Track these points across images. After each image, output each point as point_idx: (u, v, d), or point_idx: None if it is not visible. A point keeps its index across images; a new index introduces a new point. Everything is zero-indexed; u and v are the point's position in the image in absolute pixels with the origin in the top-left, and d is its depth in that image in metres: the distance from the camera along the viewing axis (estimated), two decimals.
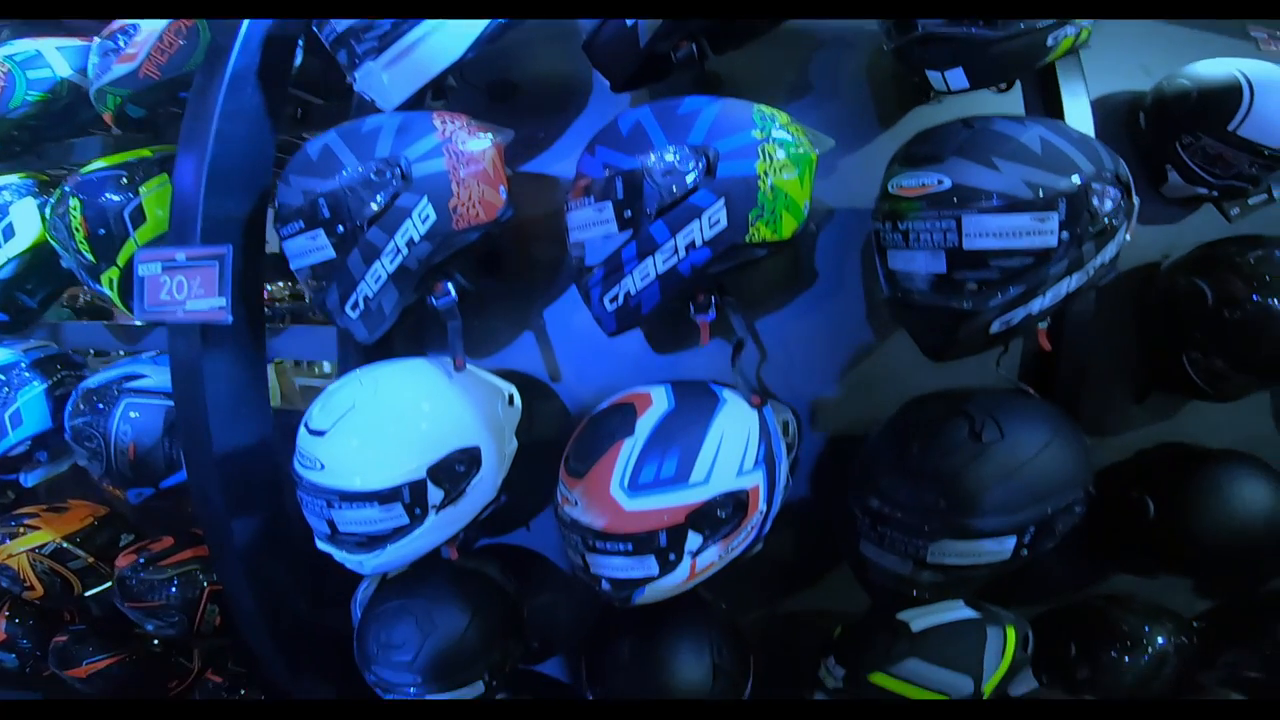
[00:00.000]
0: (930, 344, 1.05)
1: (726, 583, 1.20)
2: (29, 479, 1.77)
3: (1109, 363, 1.26)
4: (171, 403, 1.46)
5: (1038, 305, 0.98)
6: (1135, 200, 0.98)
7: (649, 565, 1.01)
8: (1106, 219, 0.94)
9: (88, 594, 1.85)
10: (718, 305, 1.09)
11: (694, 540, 1.00)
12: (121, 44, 1.56)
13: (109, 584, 1.76)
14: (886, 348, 1.22)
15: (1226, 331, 1.16)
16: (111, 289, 1.56)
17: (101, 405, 1.50)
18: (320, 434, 1.09)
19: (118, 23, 1.60)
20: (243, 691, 1.81)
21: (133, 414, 1.50)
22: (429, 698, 1.27)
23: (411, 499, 1.10)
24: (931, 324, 1.02)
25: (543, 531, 1.44)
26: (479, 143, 1.15)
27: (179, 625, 1.62)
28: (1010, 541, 0.99)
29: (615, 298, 1.05)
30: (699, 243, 0.98)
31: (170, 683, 1.95)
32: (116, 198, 1.51)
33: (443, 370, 1.19)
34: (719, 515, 1.00)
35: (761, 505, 1.04)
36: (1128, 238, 1.00)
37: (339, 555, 1.18)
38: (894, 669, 1.17)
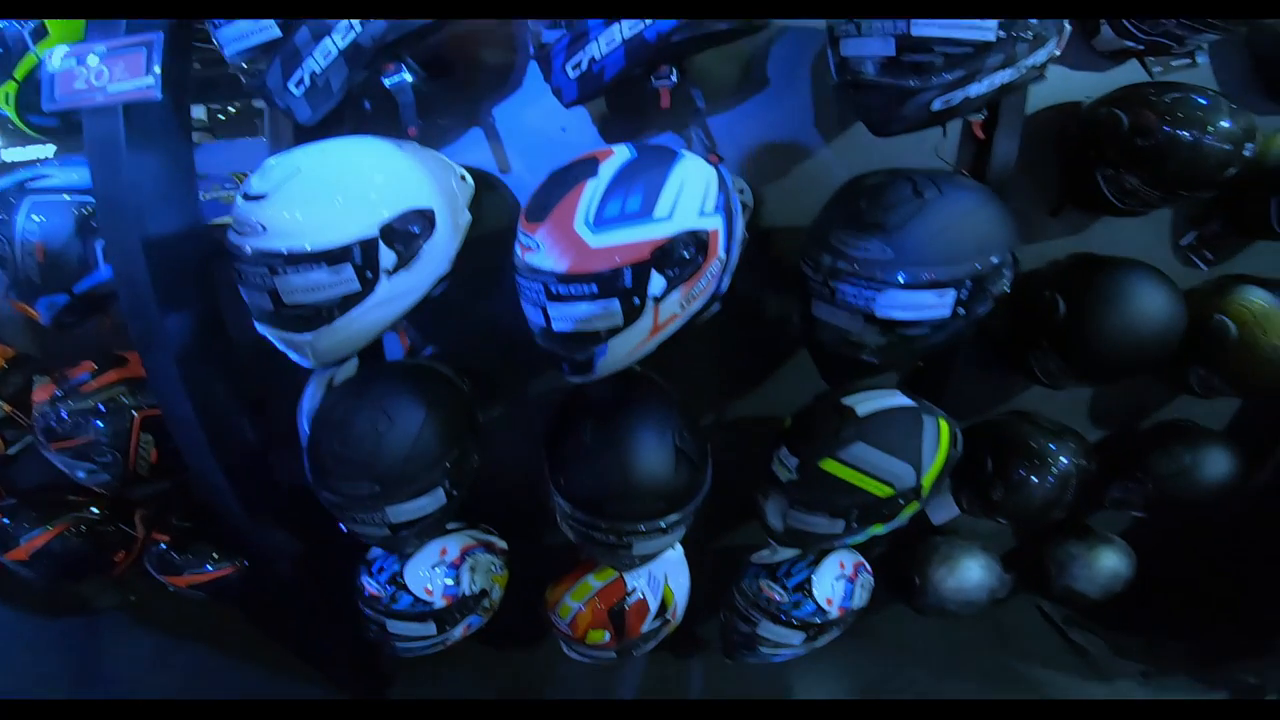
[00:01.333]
0: (877, 119, 1.10)
1: (680, 387, 1.25)
2: None
3: (1030, 181, 1.38)
4: (82, 199, 1.33)
5: (975, 90, 1.05)
6: (1066, 23, 1.08)
7: (613, 310, 1.01)
8: (1038, 27, 1.03)
9: (11, 450, 1.67)
10: (679, 76, 1.10)
11: (657, 282, 1.01)
12: None
13: (33, 436, 1.55)
14: (831, 149, 1.28)
15: (1138, 153, 1.28)
16: (7, 104, 1.41)
17: (4, 209, 1.34)
18: (260, 198, 1.02)
19: None
20: (190, 554, 1.65)
21: (37, 215, 1.34)
22: (389, 511, 1.22)
23: (363, 260, 1.04)
24: (880, 101, 1.08)
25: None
26: None
27: (112, 467, 1.47)
28: (950, 295, 1.06)
29: (578, 64, 1.05)
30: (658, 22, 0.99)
31: (116, 555, 1.76)
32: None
33: (393, 141, 1.14)
34: (682, 254, 1.00)
35: (720, 251, 1.06)
36: (1056, 51, 1.09)
37: (281, 338, 1.10)
38: (842, 454, 1.23)
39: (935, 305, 1.07)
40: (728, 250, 1.08)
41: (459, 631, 1.56)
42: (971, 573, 1.78)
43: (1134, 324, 1.32)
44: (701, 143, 1.15)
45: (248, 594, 1.71)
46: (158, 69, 1.16)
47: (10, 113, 1.42)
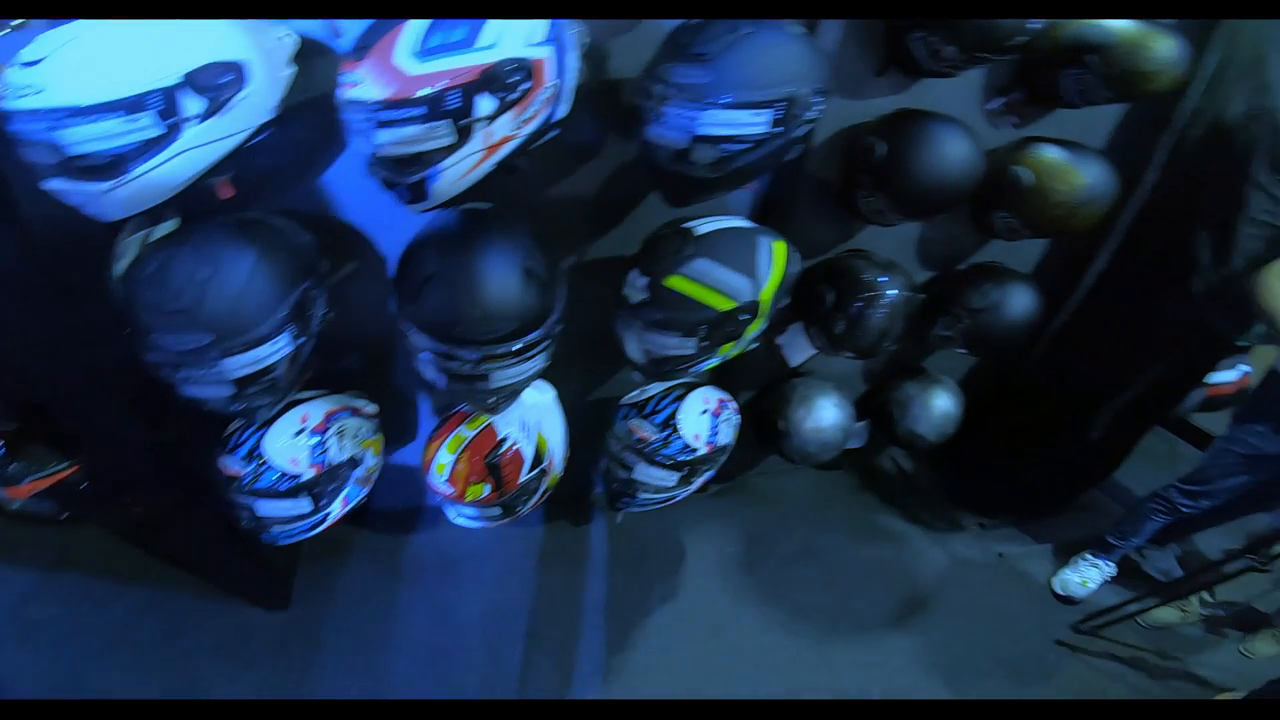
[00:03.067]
0: None
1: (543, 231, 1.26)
2: None
3: (859, 45, 1.46)
4: None
5: None
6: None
7: (442, 131, 1.00)
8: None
9: None
10: None
11: (487, 104, 1.01)
12: None
13: None
14: None
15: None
16: None
17: None
18: (35, 63, 0.91)
19: None
20: (23, 460, 1.51)
21: None
22: (227, 364, 1.15)
23: (165, 106, 0.96)
24: None
25: None
26: None
27: None
28: (765, 114, 1.14)
29: None
30: None
31: None
32: None
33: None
34: (509, 80, 1.01)
35: (551, 78, 1.07)
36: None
37: (74, 190, 0.99)
38: (685, 270, 1.30)
39: (752, 123, 1.14)
40: (559, 76, 1.09)
41: (337, 506, 1.53)
42: (826, 411, 1.96)
43: (940, 163, 1.47)
44: None
45: (102, 501, 1.59)
46: None
47: None
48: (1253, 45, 1.66)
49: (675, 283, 1.30)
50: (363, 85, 0.98)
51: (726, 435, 1.73)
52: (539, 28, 1.05)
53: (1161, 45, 1.48)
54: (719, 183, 1.23)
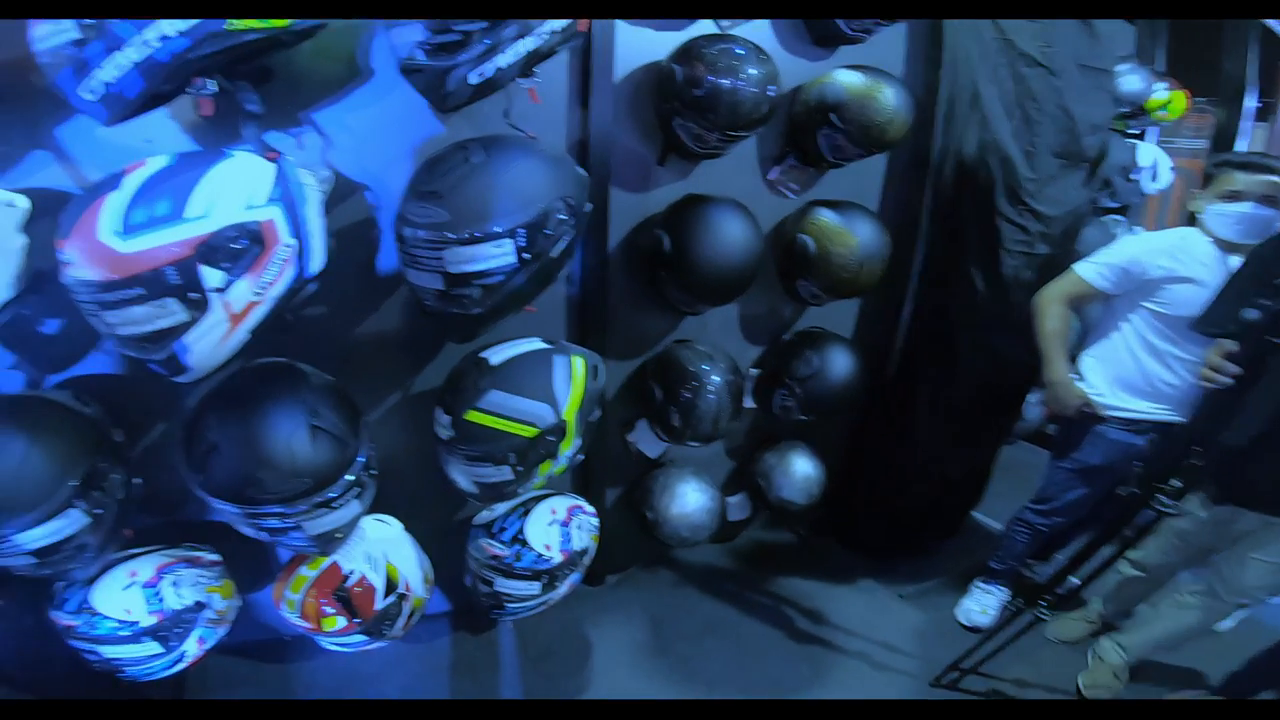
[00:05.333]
0: (433, 99, 1.17)
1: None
2: None
3: (641, 136, 1.51)
4: None
5: (504, 60, 1.16)
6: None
7: (172, 308, 1.02)
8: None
9: None
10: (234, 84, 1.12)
11: (213, 276, 1.03)
12: None
13: None
14: (448, 126, 1.34)
15: (694, 101, 1.44)
16: None
17: None
18: None
19: None
20: None
21: None
22: (16, 539, 1.15)
23: None
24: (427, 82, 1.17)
25: None
26: None
27: None
28: (508, 244, 1.16)
29: (93, 90, 1.03)
30: (171, 34, 1.00)
31: None
32: None
33: None
34: (232, 247, 1.03)
35: (284, 238, 1.09)
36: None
37: None
38: (481, 404, 1.31)
39: (497, 254, 1.17)
40: (297, 233, 1.12)
41: (192, 646, 1.51)
42: (689, 497, 1.94)
43: (718, 248, 1.52)
44: (257, 141, 1.18)
45: None
46: None
47: None
48: (969, 80, 1.73)
49: (475, 416, 1.31)
50: (76, 265, 0.99)
51: (582, 540, 1.71)
52: (261, 189, 1.07)
53: (886, 95, 1.54)
54: (493, 314, 1.24)
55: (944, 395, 2.04)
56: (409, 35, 1.14)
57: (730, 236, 1.49)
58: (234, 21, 1.03)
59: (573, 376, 1.37)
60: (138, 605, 1.41)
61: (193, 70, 1.07)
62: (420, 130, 1.37)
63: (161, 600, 1.44)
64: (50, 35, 1.01)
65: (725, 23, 1.55)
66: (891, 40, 1.68)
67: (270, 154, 1.13)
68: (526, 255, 1.17)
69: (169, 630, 1.46)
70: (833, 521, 2.49)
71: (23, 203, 1.16)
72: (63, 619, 1.39)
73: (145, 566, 1.46)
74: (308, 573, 1.54)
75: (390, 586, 1.60)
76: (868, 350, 1.88)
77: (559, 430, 1.36)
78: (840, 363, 1.82)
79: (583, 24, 1.25)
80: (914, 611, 2.27)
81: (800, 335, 1.93)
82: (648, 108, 1.52)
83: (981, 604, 2.18)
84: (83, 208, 1.00)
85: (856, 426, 2.31)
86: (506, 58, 1.16)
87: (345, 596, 1.54)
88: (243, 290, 1.07)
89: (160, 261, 0.99)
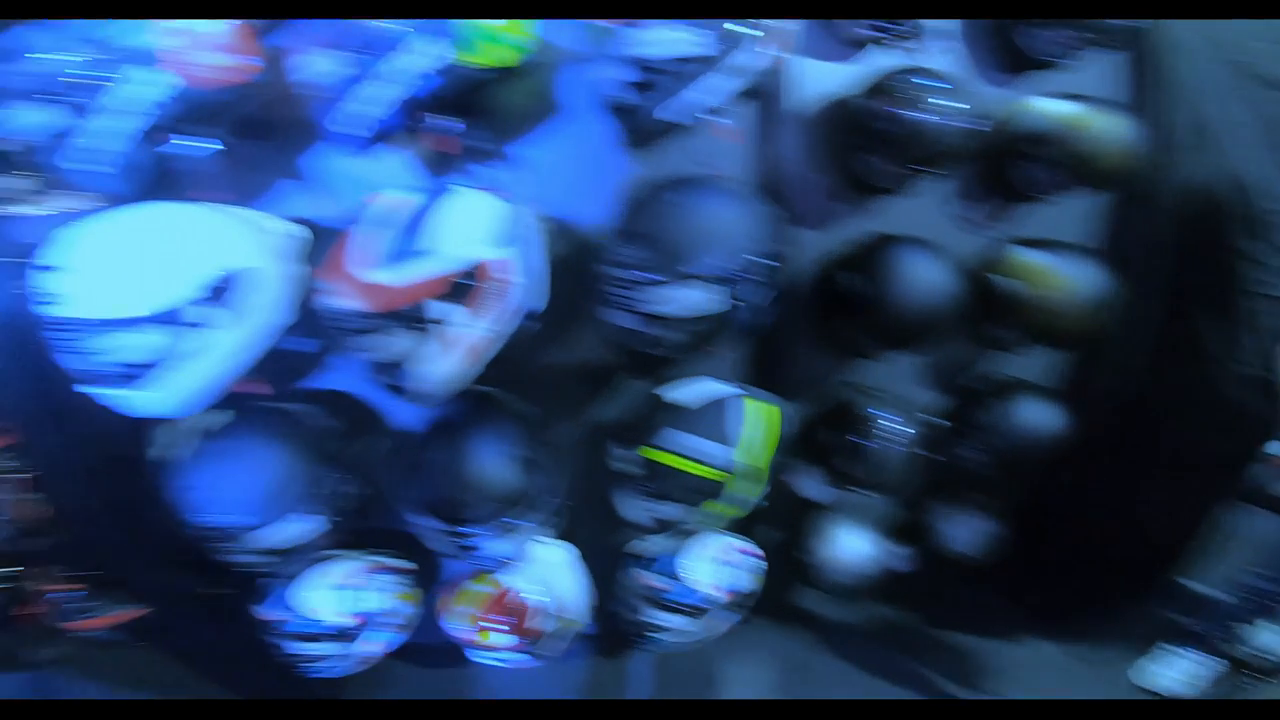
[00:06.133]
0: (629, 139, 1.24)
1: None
2: None
3: (818, 172, 1.48)
4: None
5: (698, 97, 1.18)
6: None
7: (416, 339, 1.10)
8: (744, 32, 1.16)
9: None
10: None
11: (449, 311, 1.10)
12: None
13: None
14: (637, 163, 1.36)
15: (888, 138, 1.38)
16: None
17: None
18: (56, 269, 1.06)
19: None
20: (96, 601, 1.72)
21: None
22: (262, 532, 1.29)
23: (182, 320, 1.08)
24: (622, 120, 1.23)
25: None
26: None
27: (3, 525, 1.52)
28: (715, 288, 1.15)
29: (363, 123, 1.15)
30: (427, 71, 1.11)
31: (22, 608, 1.77)
32: None
33: (194, 207, 1.19)
34: (473, 284, 1.10)
35: (512, 276, 1.15)
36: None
37: (108, 393, 1.13)
38: (663, 441, 1.32)
39: (701, 298, 1.16)
40: (522, 274, 1.17)
41: (375, 648, 1.62)
42: (849, 543, 1.84)
43: (919, 292, 1.43)
44: (488, 177, 1.27)
45: (163, 632, 1.78)
46: None
47: None
48: (1193, 107, 1.54)
49: (657, 455, 1.32)
50: (329, 295, 1.10)
51: (745, 581, 1.67)
52: (498, 227, 1.14)
53: (1103, 125, 1.42)
54: (683, 355, 1.25)
55: (1162, 450, 1.82)
56: (613, 72, 1.19)
57: (932, 279, 1.42)
58: (470, 55, 1.12)
59: (758, 419, 1.35)
60: (340, 606, 1.53)
61: (446, 109, 1.18)
62: (610, 166, 1.41)
63: (362, 603, 1.56)
64: (310, 67, 1.14)
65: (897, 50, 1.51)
66: (1090, 66, 1.56)
67: (500, 191, 1.20)
68: (734, 301, 1.17)
69: (362, 632, 1.57)
70: (1004, 577, 2.24)
71: (303, 233, 1.30)
72: (269, 613, 1.53)
73: (351, 570, 1.57)
74: (479, 588, 1.61)
75: (554, 609, 1.63)
76: (1066, 399, 1.73)
77: (747, 474, 1.34)
78: (1038, 415, 1.66)
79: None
80: (1087, 672, 2.06)
81: (990, 382, 1.78)
82: (823, 142, 1.50)
83: (1173, 668, 1.91)
84: (339, 239, 1.12)
85: (1047, 478, 2.11)
86: (710, 96, 1.18)
87: (511, 615, 1.60)
88: (479, 325, 1.14)
89: (412, 296, 1.08)
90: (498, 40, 1.14)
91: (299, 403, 1.39)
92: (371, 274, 1.08)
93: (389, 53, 1.10)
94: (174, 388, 1.15)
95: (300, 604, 1.51)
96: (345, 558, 1.60)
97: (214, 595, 1.60)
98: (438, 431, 1.30)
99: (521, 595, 1.60)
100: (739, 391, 1.38)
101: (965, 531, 1.90)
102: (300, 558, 1.42)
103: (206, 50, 1.16)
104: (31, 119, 1.11)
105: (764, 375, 1.46)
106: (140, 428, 1.32)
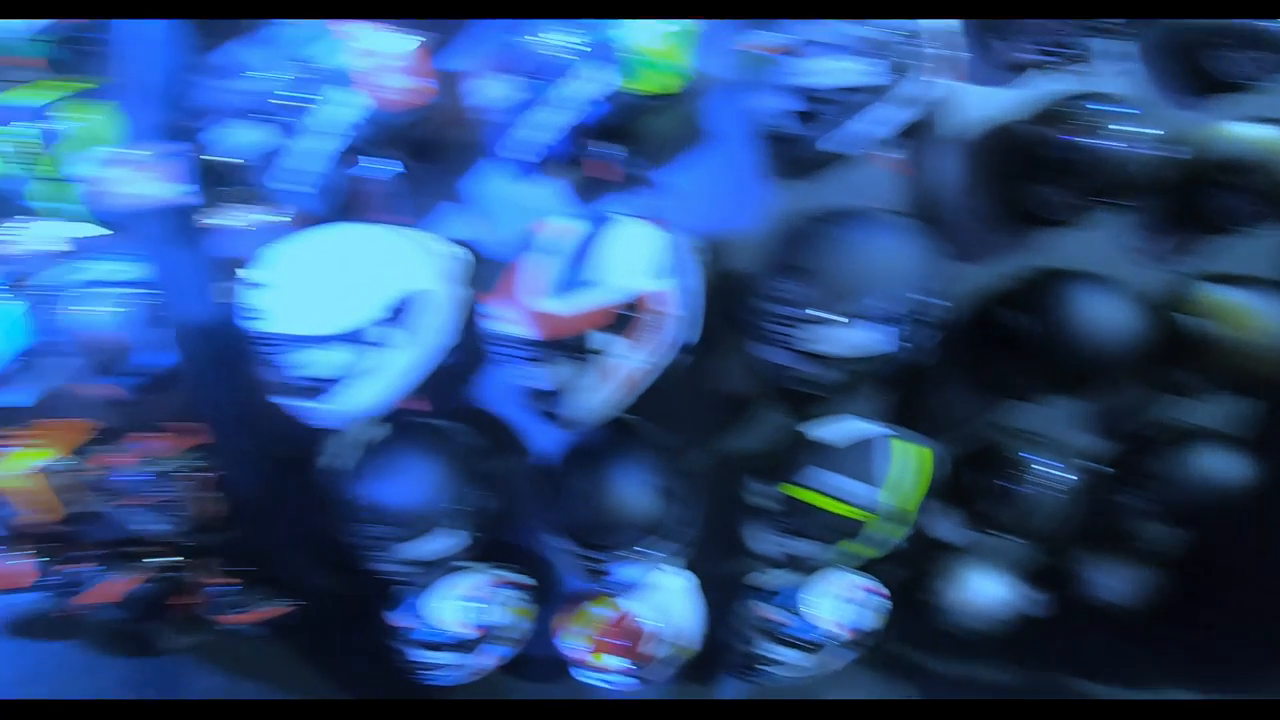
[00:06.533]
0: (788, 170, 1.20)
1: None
2: (24, 396, 1.76)
3: (974, 202, 1.39)
4: (137, 291, 1.49)
5: (865, 128, 1.13)
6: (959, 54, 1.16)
7: (576, 369, 1.11)
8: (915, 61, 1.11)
9: (101, 506, 1.78)
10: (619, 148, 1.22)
11: (610, 342, 1.10)
12: None
13: (117, 495, 1.74)
14: (781, 192, 1.29)
15: (1069, 167, 1.27)
16: (66, 201, 1.55)
17: (78, 302, 1.50)
18: (262, 286, 1.14)
19: None
20: (247, 596, 1.82)
21: (108, 306, 1.50)
22: (405, 546, 1.35)
23: (366, 339, 1.15)
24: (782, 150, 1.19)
25: None
26: (395, 41, 1.23)
27: (182, 521, 1.64)
28: (881, 328, 1.10)
29: (528, 150, 1.17)
30: (595, 98, 1.11)
31: (182, 597, 1.92)
32: (62, 123, 1.50)
33: (380, 228, 1.25)
34: (635, 315, 1.09)
35: (672, 309, 1.14)
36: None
37: (297, 405, 1.22)
38: (807, 479, 1.27)
39: (865, 338, 1.11)
40: (680, 306, 1.16)
41: (489, 661, 1.66)
42: (983, 586, 1.73)
43: (1100, 332, 1.31)
44: (646, 205, 1.26)
45: (296, 631, 1.87)
46: (193, 179, 1.36)
47: (69, 209, 1.57)
48: None
49: (799, 492, 1.28)
50: (494, 320, 1.12)
51: (868, 620, 1.60)
52: (660, 258, 1.13)
53: None
54: (838, 394, 1.21)
55: None
56: (775, 101, 1.16)
57: (1107, 318, 1.30)
58: (635, 82, 1.11)
59: (915, 465, 1.29)
60: (466, 618, 1.57)
61: (608, 135, 1.18)
62: (762, 196, 1.37)
63: (486, 616, 1.59)
64: (487, 91, 1.16)
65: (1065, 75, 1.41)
66: None
67: (659, 221, 1.19)
68: (900, 342, 1.11)
69: (481, 644, 1.61)
70: (1152, 626, 2.08)
71: (467, 256, 1.34)
72: (400, 620, 1.59)
73: (478, 583, 1.61)
74: (599, 610, 1.60)
75: (668, 636, 1.61)
76: (1251, 448, 1.56)
77: (892, 516, 1.28)
78: (1221, 465, 1.51)
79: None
80: None
81: (1167, 429, 1.62)
82: (986, 172, 1.40)
83: None
84: (505, 265, 1.14)
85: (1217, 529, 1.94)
86: (878, 127, 1.13)
87: (627, 639, 1.59)
88: (632, 357, 1.14)
89: (578, 326, 1.09)
90: (662, 67, 1.13)
91: (452, 420, 1.43)
92: (540, 302, 1.09)
93: (560, 79, 1.10)
94: (350, 403, 1.22)
95: (429, 613, 1.56)
96: (473, 570, 1.65)
97: (354, 598, 1.66)
98: (580, 457, 1.31)
99: (639, 620, 1.59)
100: (888, 432, 1.32)
101: (1115, 580, 1.75)
102: (438, 569, 1.45)
103: (393, 72, 1.21)
104: (243, 137, 1.20)
105: (910, 413, 1.39)
106: (315, 437, 1.39)
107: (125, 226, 1.50)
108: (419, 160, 1.33)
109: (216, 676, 2.15)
